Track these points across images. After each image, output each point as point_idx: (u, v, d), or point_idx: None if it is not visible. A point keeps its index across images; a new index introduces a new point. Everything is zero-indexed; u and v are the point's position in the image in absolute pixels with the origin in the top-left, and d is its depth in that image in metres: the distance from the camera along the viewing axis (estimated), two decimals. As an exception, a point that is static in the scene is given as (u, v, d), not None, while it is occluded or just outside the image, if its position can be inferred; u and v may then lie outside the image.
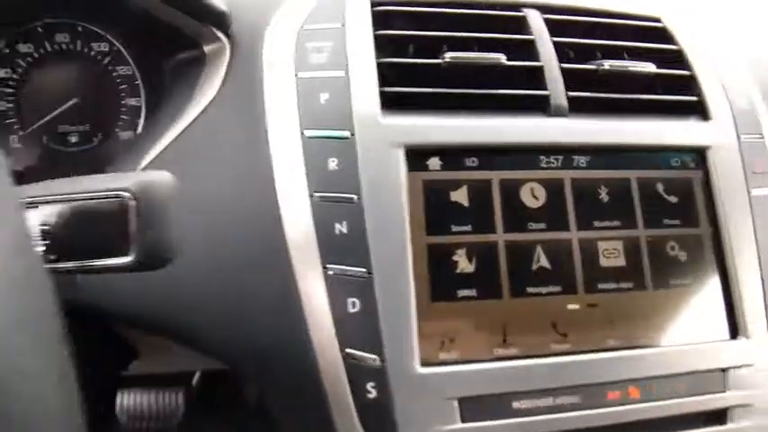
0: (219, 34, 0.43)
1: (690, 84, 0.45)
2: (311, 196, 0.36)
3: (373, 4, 0.42)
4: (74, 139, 0.48)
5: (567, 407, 0.37)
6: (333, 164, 0.37)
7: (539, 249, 0.39)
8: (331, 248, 0.36)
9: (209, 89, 0.42)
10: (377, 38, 0.40)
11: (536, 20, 0.44)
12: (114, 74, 0.48)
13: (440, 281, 0.37)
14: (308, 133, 0.37)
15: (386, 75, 0.40)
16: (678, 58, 0.45)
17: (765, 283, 0.41)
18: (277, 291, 0.36)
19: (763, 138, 0.45)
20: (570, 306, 0.38)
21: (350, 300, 0.35)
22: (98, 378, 0.48)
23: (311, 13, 0.42)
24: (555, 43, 0.43)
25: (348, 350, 0.35)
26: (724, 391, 0.39)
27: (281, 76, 0.39)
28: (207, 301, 0.37)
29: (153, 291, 0.37)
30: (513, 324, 0.37)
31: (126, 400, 0.52)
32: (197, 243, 0.36)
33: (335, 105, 0.38)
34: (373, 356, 0.35)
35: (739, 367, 0.40)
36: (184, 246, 0.31)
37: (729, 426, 0.39)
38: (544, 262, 0.39)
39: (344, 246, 0.36)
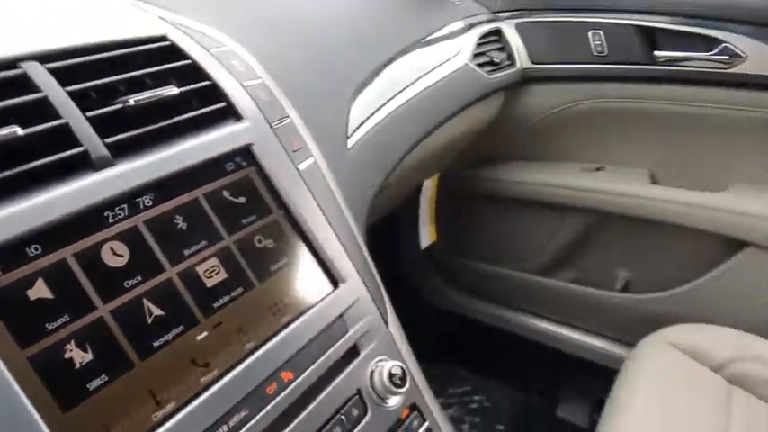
0: None
1: (215, 92, 0.51)
2: None
3: None
4: None
5: (242, 422, 0.41)
6: None
7: (145, 302, 0.40)
8: None
9: None
10: None
11: (40, 74, 0.43)
12: None
13: (63, 388, 0.35)
14: None
15: None
16: (195, 71, 0.51)
17: (337, 233, 0.53)
18: None
19: (289, 119, 0.55)
20: (199, 336, 0.42)
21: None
22: None
23: None
24: (70, 93, 0.43)
25: None
26: (348, 331, 0.50)
27: None
28: None
29: None
30: (158, 383, 0.39)
31: None
32: None
33: None
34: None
35: (350, 306, 0.51)
36: None
37: (362, 354, 0.50)
38: (156, 311, 0.41)
39: None
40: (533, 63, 1.24)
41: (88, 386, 0.36)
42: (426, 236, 1.40)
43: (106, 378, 0.37)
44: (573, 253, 1.39)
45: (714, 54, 1.10)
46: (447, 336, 1.57)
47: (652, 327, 1.07)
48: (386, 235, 1.54)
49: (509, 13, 1.25)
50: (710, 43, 1.10)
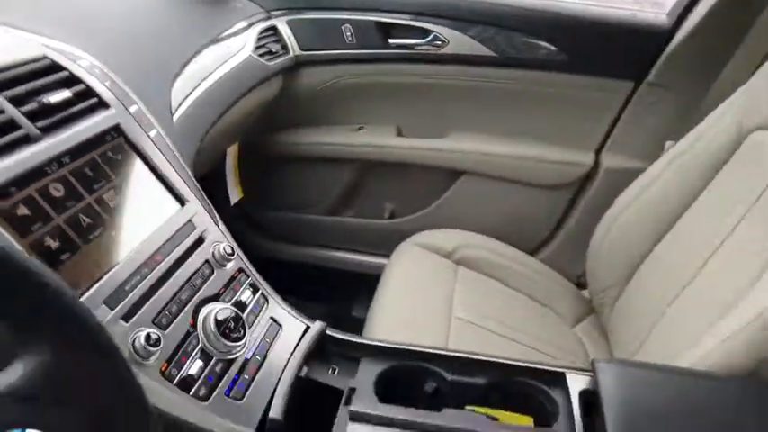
0: None
1: (90, 92, 0.82)
2: None
3: None
4: None
5: (146, 274, 0.74)
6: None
7: (80, 215, 0.72)
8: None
9: None
10: None
11: None
12: None
13: (49, 258, 0.65)
14: None
15: None
16: (73, 79, 0.81)
17: (179, 173, 0.87)
18: None
19: (137, 105, 0.88)
20: (112, 233, 0.75)
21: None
22: None
23: None
24: (6, 97, 0.71)
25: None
26: (195, 229, 0.85)
27: None
28: None
29: None
30: (97, 256, 0.71)
31: None
32: None
33: None
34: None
35: (194, 215, 0.86)
36: None
37: (206, 241, 0.86)
38: (87, 220, 0.72)
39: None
40: (302, 50, 1.64)
41: (62, 258, 0.68)
42: (234, 194, 1.75)
43: (69, 254, 0.69)
44: (351, 195, 1.84)
45: (428, 41, 1.59)
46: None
47: (411, 240, 1.54)
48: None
49: (281, 12, 1.63)
50: (425, 33, 1.59)
